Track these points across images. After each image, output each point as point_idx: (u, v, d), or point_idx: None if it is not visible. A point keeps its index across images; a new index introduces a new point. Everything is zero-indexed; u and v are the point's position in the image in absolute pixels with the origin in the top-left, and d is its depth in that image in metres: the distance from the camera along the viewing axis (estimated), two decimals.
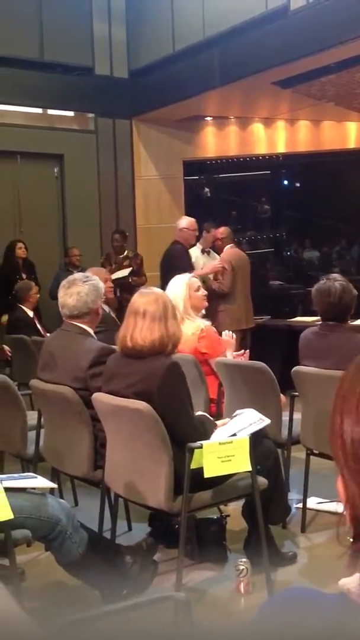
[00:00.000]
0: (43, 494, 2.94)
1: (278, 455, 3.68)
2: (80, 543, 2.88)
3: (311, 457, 3.99)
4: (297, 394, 4.07)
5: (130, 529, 3.99)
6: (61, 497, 3.98)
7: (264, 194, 13.33)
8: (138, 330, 3.14)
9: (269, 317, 8.32)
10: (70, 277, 3.83)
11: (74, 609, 2.91)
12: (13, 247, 8.47)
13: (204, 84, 8.56)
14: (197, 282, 4.75)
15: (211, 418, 3.52)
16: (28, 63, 8.99)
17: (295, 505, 4.17)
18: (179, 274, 6.48)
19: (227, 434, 3.24)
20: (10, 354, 6.57)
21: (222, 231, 7.91)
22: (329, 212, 13.19)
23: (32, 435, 3.99)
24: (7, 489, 2.61)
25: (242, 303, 7.51)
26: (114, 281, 7.51)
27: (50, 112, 9.50)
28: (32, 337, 6.24)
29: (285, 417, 4.09)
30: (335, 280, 3.92)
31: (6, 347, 6.69)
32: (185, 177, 10.47)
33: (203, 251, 8.11)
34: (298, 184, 13.77)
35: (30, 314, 7.05)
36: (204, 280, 6.32)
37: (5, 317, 7.46)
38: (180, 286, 4.62)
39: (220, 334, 4.71)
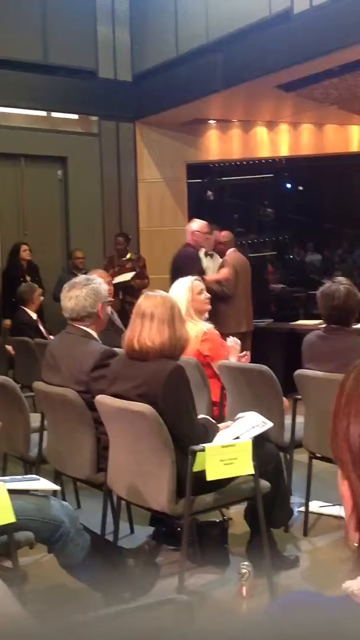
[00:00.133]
0: (46, 496, 2.94)
1: (280, 459, 3.69)
2: (83, 545, 2.89)
3: (314, 460, 3.99)
4: (299, 397, 4.07)
5: (132, 531, 3.99)
6: (64, 499, 3.97)
7: (266, 197, 13.34)
8: (146, 333, 3.14)
9: (272, 320, 8.33)
10: (72, 280, 3.84)
11: (77, 612, 2.92)
12: (18, 250, 8.49)
13: (207, 87, 8.57)
14: (200, 285, 4.73)
15: (213, 421, 3.52)
16: (32, 66, 9.02)
17: (297, 509, 4.16)
18: (192, 275, 6.49)
19: (230, 437, 3.24)
20: (13, 354, 6.61)
21: (224, 235, 7.91)
22: (331, 216, 13.19)
23: (35, 437, 4.00)
24: (10, 491, 2.61)
25: (242, 306, 7.51)
26: (117, 284, 7.52)
27: (54, 114, 9.53)
28: (35, 340, 6.25)
29: (287, 420, 4.09)
30: (340, 284, 3.93)
31: (8, 347, 6.71)
32: (189, 180, 10.48)
33: (206, 254, 8.11)
34: (301, 188, 13.77)
35: (34, 316, 7.06)
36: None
37: (8, 322, 7.48)
38: (182, 289, 4.61)
39: (224, 338, 4.70)
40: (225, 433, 3.31)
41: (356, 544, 0.94)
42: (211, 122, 10.28)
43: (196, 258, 7.17)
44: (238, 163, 11.26)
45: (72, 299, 3.70)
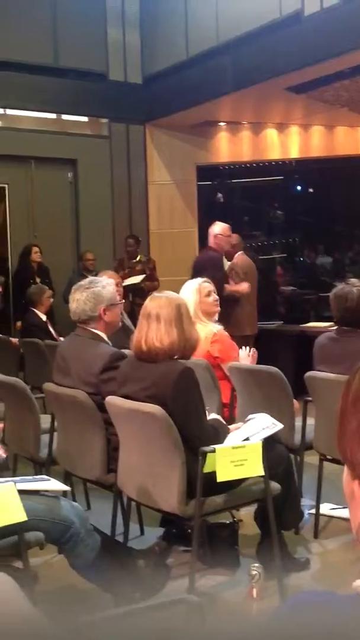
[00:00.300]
0: (56, 497, 2.95)
1: (291, 461, 3.68)
2: (93, 546, 2.89)
3: (324, 462, 3.97)
4: (310, 399, 4.06)
5: (142, 533, 3.99)
6: (74, 500, 3.98)
7: (277, 200, 13.32)
8: (153, 334, 3.14)
9: (282, 322, 8.31)
10: (78, 283, 3.86)
11: (87, 612, 2.91)
12: (28, 252, 8.52)
13: (217, 89, 8.58)
14: (208, 287, 4.69)
15: (224, 422, 3.52)
16: (42, 68, 9.05)
17: (308, 511, 4.15)
18: (213, 280, 6.45)
19: (240, 439, 3.24)
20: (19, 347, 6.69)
21: (233, 238, 7.90)
22: (342, 218, 13.16)
23: (45, 438, 4.01)
24: (20, 492, 2.62)
25: (248, 310, 7.48)
26: (127, 287, 7.52)
27: (64, 117, 9.55)
28: (45, 341, 6.26)
29: (298, 422, 4.08)
30: (354, 286, 3.92)
31: (14, 340, 6.77)
32: (199, 183, 10.49)
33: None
34: (311, 190, 13.74)
35: (44, 318, 7.07)
36: None
37: (18, 323, 7.50)
38: (190, 291, 4.60)
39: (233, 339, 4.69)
40: (236, 434, 3.30)
41: None
42: (221, 124, 10.28)
43: (219, 262, 7.05)
44: (248, 165, 11.25)
45: (74, 302, 3.73)
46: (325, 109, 9.37)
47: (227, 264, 7.76)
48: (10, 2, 8.82)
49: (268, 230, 13.23)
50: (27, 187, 9.25)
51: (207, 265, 6.78)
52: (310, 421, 4.06)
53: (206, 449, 3.02)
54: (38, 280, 8.21)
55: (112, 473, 3.47)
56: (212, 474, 3.01)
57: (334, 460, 3.85)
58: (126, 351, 3.59)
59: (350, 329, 3.94)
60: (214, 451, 3.02)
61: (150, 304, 3.24)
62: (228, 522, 3.73)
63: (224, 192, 12.16)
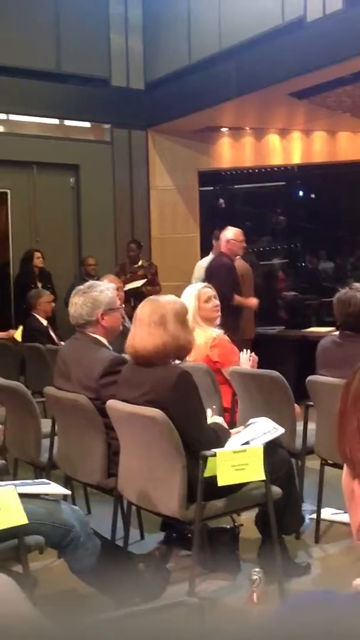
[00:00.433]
0: (56, 501, 2.94)
1: (292, 465, 3.67)
2: (93, 550, 2.88)
3: (325, 467, 3.97)
4: (311, 403, 4.05)
5: (142, 537, 3.98)
6: (74, 505, 3.98)
7: (279, 205, 13.32)
8: (138, 338, 3.16)
9: (283, 327, 8.31)
10: (78, 287, 3.86)
11: (87, 615, 2.91)
12: (30, 257, 8.54)
13: (220, 95, 8.59)
14: (208, 293, 4.66)
15: (226, 426, 3.52)
16: (45, 74, 9.07)
17: (309, 516, 4.14)
18: (222, 288, 6.41)
19: (241, 443, 3.24)
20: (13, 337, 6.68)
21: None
22: (344, 223, 13.16)
23: (45, 442, 4.01)
24: (21, 495, 2.61)
25: (244, 314, 7.47)
26: (128, 291, 7.53)
27: (67, 122, 9.57)
28: (46, 346, 6.26)
29: (299, 426, 4.07)
30: (357, 291, 3.93)
31: (11, 331, 6.79)
32: (201, 188, 10.50)
33: None
34: (313, 195, 13.74)
35: (44, 322, 7.07)
36: None
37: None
38: (189, 297, 4.59)
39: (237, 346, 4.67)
40: (237, 438, 3.30)
41: None
42: (223, 129, 10.30)
43: (230, 268, 6.88)
44: (250, 171, 11.26)
45: (73, 306, 3.74)
46: (327, 114, 9.38)
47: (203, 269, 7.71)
48: (13, 8, 8.85)
49: (270, 235, 13.23)
50: (29, 193, 9.27)
51: (218, 272, 6.73)
52: (312, 426, 4.06)
53: (207, 453, 3.02)
54: (40, 285, 8.22)
55: (112, 477, 3.46)
56: (213, 478, 3.00)
57: (335, 465, 3.84)
58: (127, 356, 3.59)
59: (353, 333, 3.94)
60: (214, 455, 3.01)
61: (140, 309, 3.28)
62: (229, 526, 3.72)
63: (226, 197, 12.17)
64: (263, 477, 3.13)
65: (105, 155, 9.73)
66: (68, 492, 3.21)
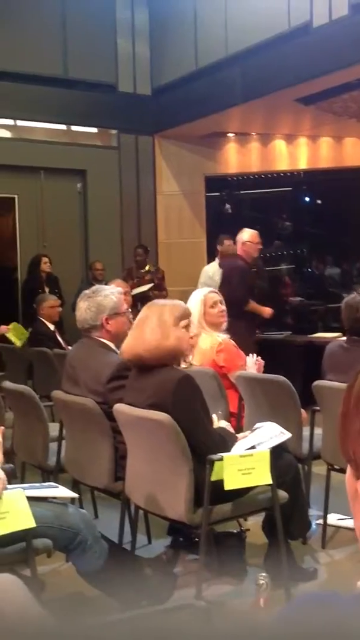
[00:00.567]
0: (64, 504, 2.95)
1: (298, 470, 3.67)
2: (101, 553, 2.89)
3: (332, 472, 3.96)
4: (318, 408, 4.05)
5: (150, 542, 3.98)
6: (81, 509, 3.99)
7: (285, 211, 13.33)
8: (132, 341, 3.18)
9: (290, 332, 8.31)
10: (84, 291, 3.89)
11: (94, 618, 2.91)
12: (38, 262, 8.57)
13: (226, 100, 8.62)
14: (214, 298, 4.64)
15: (232, 430, 3.52)
16: (52, 80, 9.12)
17: (315, 521, 4.14)
18: (237, 292, 6.38)
19: (247, 447, 3.24)
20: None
21: (228, 246, 7.90)
22: (350, 229, 13.16)
23: (53, 446, 4.02)
24: (28, 498, 2.62)
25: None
26: (135, 295, 7.54)
27: (74, 128, 9.62)
28: (54, 350, 6.28)
29: (305, 432, 4.07)
30: None
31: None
32: (207, 193, 10.52)
33: (221, 265, 8.11)
34: (319, 201, 13.74)
35: (51, 327, 7.09)
36: None
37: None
38: (195, 302, 4.59)
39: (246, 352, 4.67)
40: (243, 443, 3.30)
41: None
42: (230, 135, 10.33)
43: (245, 271, 6.72)
44: (256, 176, 11.28)
45: (78, 311, 3.78)
46: (333, 120, 9.40)
47: (218, 272, 7.69)
48: (20, 14, 8.90)
49: (276, 241, 13.22)
50: (36, 198, 9.31)
51: (232, 275, 6.62)
52: (318, 431, 4.05)
53: (214, 457, 3.02)
54: (47, 290, 8.25)
55: (119, 481, 3.47)
56: (220, 482, 3.01)
57: (342, 470, 3.81)
58: None
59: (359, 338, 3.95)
60: (221, 459, 3.02)
61: (139, 314, 3.29)
62: (235, 531, 3.72)
63: (232, 202, 12.18)
64: (270, 482, 3.14)
65: (112, 160, 9.76)
66: (76, 495, 3.22)
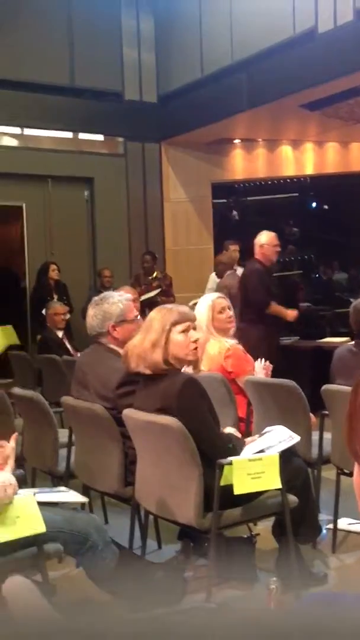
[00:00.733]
0: (74, 509, 2.96)
1: (308, 474, 3.66)
2: (112, 558, 2.89)
3: (342, 477, 3.95)
4: (327, 412, 4.05)
5: (160, 547, 3.98)
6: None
7: (292, 216, 13.34)
8: (131, 345, 3.23)
9: (298, 337, 8.30)
10: (94, 297, 3.92)
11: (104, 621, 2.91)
12: (46, 269, 8.61)
13: (232, 107, 8.64)
14: (223, 303, 4.61)
15: (240, 435, 3.52)
16: (59, 88, 9.17)
17: (325, 526, 4.13)
18: (256, 295, 6.33)
19: (256, 450, 3.24)
20: None
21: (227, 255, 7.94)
22: (358, 234, 13.16)
23: (62, 452, 4.03)
24: (39, 503, 2.63)
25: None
26: (143, 301, 7.56)
27: (81, 136, 9.66)
28: (62, 357, 6.30)
29: (315, 436, 4.07)
30: None
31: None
32: (214, 200, 10.54)
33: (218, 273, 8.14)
34: (326, 206, 13.76)
35: (60, 334, 7.11)
36: None
37: (39, 337, 7.57)
38: (203, 307, 4.58)
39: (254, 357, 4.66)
40: (252, 446, 3.30)
41: None
42: (236, 141, 10.35)
43: (263, 275, 6.52)
44: (263, 182, 11.29)
45: (87, 317, 3.81)
46: (339, 125, 9.41)
47: (215, 281, 7.68)
48: (27, 23, 8.96)
49: (284, 247, 13.22)
50: (44, 206, 9.34)
51: (250, 279, 6.50)
52: (327, 435, 4.05)
53: (223, 461, 3.02)
54: (55, 297, 8.28)
55: (129, 486, 3.48)
56: (229, 487, 3.01)
57: (352, 474, 3.81)
58: None
59: None
60: (230, 463, 3.02)
61: None
62: (246, 536, 3.72)
63: (239, 209, 12.20)
64: (279, 486, 3.13)
65: (119, 168, 9.80)
66: (86, 499, 3.23)
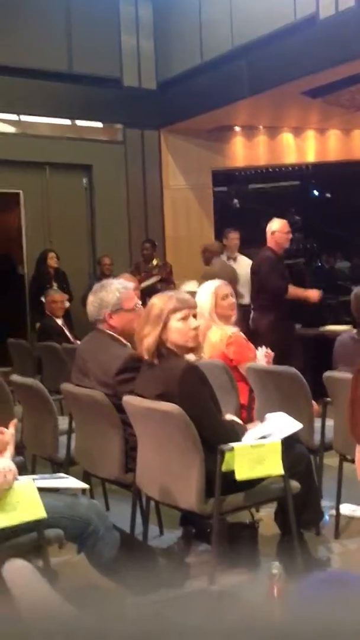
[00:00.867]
0: (75, 495, 2.94)
1: (310, 460, 3.65)
2: (113, 543, 2.88)
3: (344, 463, 3.94)
4: (329, 399, 4.03)
5: (162, 533, 3.97)
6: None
7: (293, 204, 13.31)
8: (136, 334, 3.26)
9: (300, 325, 8.28)
10: (95, 284, 3.91)
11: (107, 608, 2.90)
12: (45, 257, 8.58)
13: (232, 94, 8.59)
14: (225, 290, 4.60)
15: (241, 422, 3.51)
16: (57, 75, 9.11)
17: (328, 512, 4.12)
18: (270, 282, 6.30)
19: (258, 437, 3.22)
20: None
21: (215, 244, 7.94)
22: (359, 222, 13.13)
23: (63, 439, 4.01)
24: (39, 489, 2.61)
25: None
26: (144, 289, 7.54)
27: (79, 123, 9.60)
28: (62, 345, 6.28)
29: (317, 423, 4.05)
30: None
31: None
32: (214, 188, 10.50)
33: (229, 258, 8.10)
34: (328, 194, 13.72)
35: (59, 322, 7.10)
36: None
37: (38, 325, 7.55)
38: (206, 294, 4.56)
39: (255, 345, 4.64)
40: (254, 432, 3.28)
41: None
42: (237, 128, 10.30)
43: (273, 261, 6.40)
44: (264, 170, 11.25)
45: (87, 304, 3.79)
46: (341, 112, 9.36)
47: (245, 264, 7.66)
48: (25, 9, 8.90)
49: (296, 233, 13.20)
50: (42, 193, 9.30)
51: (262, 267, 6.43)
52: (330, 422, 4.03)
53: (225, 447, 3.00)
54: (55, 285, 8.25)
55: (130, 472, 3.46)
56: (231, 473, 2.99)
57: (354, 461, 3.80)
58: None
59: None
60: (232, 449, 3.00)
61: None
62: (248, 521, 3.70)
63: (240, 196, 12.16)
64: (281, 472, 3.11)
65: (118, 155, 9.75)
66: (86, 485, 3.20)
